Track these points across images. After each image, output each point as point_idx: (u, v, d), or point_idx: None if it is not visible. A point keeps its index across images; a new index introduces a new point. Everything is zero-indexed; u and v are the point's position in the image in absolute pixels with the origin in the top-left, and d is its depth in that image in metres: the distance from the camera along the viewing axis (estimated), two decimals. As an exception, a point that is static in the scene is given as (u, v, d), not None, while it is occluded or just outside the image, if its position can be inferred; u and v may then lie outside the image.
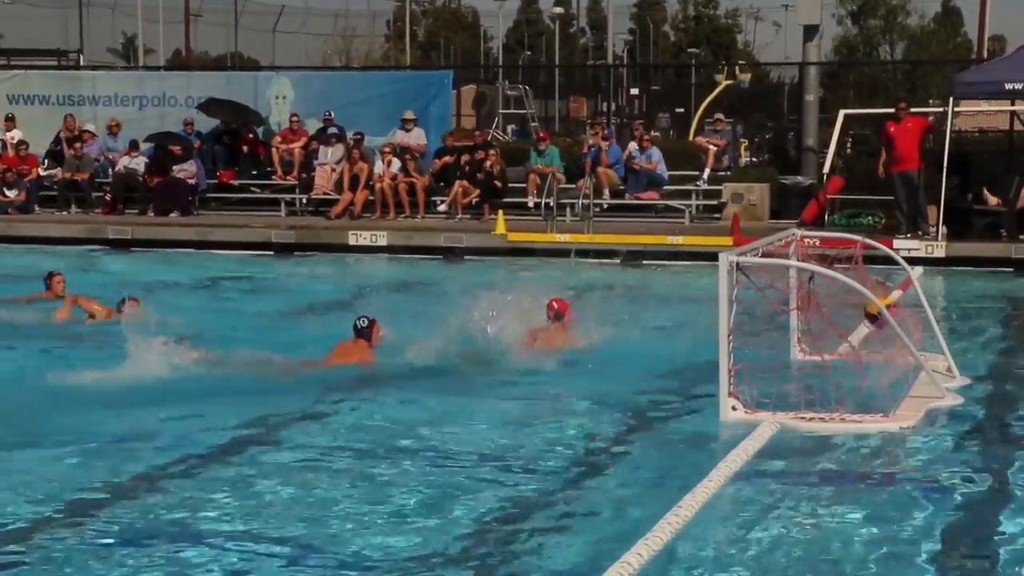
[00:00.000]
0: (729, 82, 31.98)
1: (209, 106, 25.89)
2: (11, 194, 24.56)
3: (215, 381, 10.55)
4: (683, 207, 23.14)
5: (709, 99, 30.40)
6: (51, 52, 38.99)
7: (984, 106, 23.87)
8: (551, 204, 21.64)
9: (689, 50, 73.43)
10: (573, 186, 22.70)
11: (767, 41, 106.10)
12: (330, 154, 24.33)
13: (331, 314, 14.97)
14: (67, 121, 26.28)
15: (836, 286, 9.62)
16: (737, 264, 9.11)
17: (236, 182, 25.42)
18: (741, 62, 42.21)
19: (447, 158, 24.04)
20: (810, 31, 24.79)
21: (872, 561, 6.53)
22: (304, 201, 24.66)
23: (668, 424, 9.58)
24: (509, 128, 37.97)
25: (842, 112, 23.15)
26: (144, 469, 8.14)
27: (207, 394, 10.11)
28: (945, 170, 19.63)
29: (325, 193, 24.20)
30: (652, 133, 27.14)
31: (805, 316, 10.52)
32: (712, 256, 9.53)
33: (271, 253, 21.32)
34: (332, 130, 24.68)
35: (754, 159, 27.21)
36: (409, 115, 24.68)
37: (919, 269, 15.87)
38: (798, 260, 10.48)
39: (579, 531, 7.03)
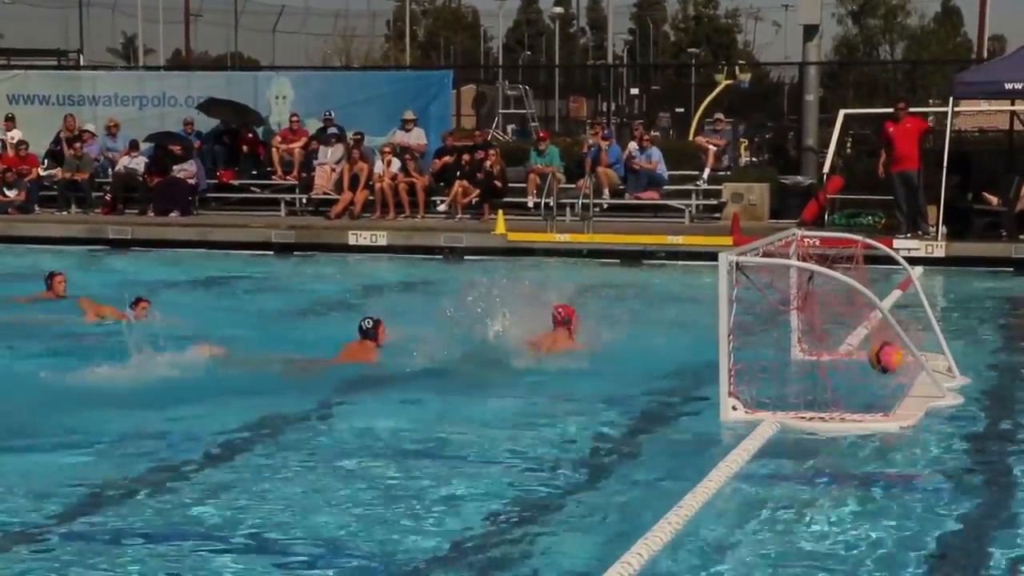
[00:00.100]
0: (729, 82, 31.97)
1: (209, 106, 25.89)
2: (11, 194, 24.56)
3: (217, 381, 10.55)
4: (683, 207, 23.15)
5: (709, 99, 30.40)
6: (51, 52, 38.98)
7: (984, 106, 23.86)
8: (551, 204, 21.65)
9: (689, 50, 73.42)
10: (573, 186, 22.70)
11: (767, 41, 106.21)
12: (330, 154, 24.33)
13: (332, 314, 14.99)
14: (67, 121, 26.28)
15: (837, 286, 9.63)
16: (737, 264, 9.11)
17: (236, 182, 25.43)
18: (741, 62, 42.18)
19: (447, 158, 24.04)
20: (810, 31, 24.80)
21: (872, 561, 6.53)
22: (304, 201, 24.67)
23: (668, 424, 9.59)
24: (509, 128, 37.98)
25: (842, 112, 23.16)
26: (149, 469, 8.14)
27: (211, 393, 10.11)
28: (945, 170, 19.63)
29: (325, 193, 24.21)
30: (652, 133, 27.15)
31: (805, 316, 10.52)
32: (712, 256, 9.53)
33: (271, 253, 21.32)
34: (332, 130, 24.69)
35: (754, 159, 27.22)
36: (409, 115, 24.68)
37: (919, 269, 15.86)
38: (798, 260, 10.48)
39: (579, 531, 7.04)
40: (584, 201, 21.45)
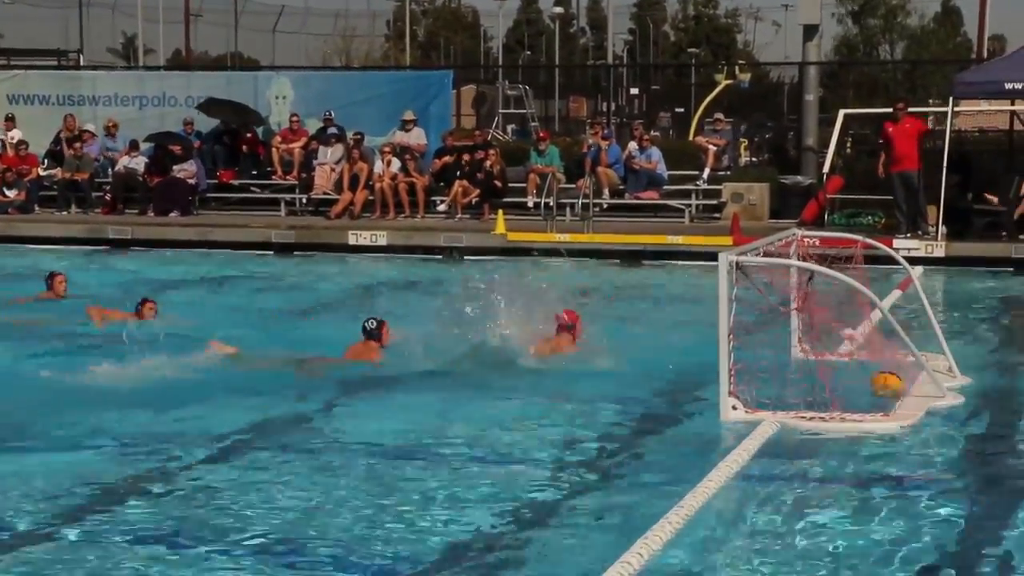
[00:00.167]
0: (729, 82, 31.97)
1: (209, 106, 25.89)
2: (11, 194, 24.57)
3: (219, 380, 10.55)
4: (683, 207, 23.15)
5: (709, 99, 30.40)
6: (51, 52, 38.99)
7: (984, 106, 23.86)
8: (551, 204, 21.65)
9: (689, 50, 73.43)
10: (573, 186, 22.70)
11: (767, 41, 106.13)
12: (330, 154, 24.33)
13: (332, 314, 14.99)
14: (67, 121, 26.28)
15: (836, 287, 9.63)
16: (737, 264, 9.11)
17: (236, 182, 25.43)
18: (741, 62, 42.18)
19: (447, 158, 24.04)
20: (810, 31, 24.80)
21: (872, 561, 6.53)
22: (304, 201, 24.67)
23: (669, 424, 9.59)
24: (509, 128, 37.96)
25: (842, 112, 23.17)
26: (152, 469, 8.16)
27: (213, 393, 10.13)
28: (945, 170, 19.64)
29: (325, 193, 24.21)
30: (652, 133, 27.15)
31: (805, 316, 10.52)
32: (712, 256, 9.53)
33: (271, 253, 21.32)
34: (332, 130, 24.69)
35: (754, 159, 27.23)
36: (408, 116, 24.68)
37: (919, 269, 15.86)
38: (798, 260, 10.48)
39: (580, 530, 7.04)
40: (584, 201, 21.45)
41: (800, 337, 11.06)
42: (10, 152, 25.63)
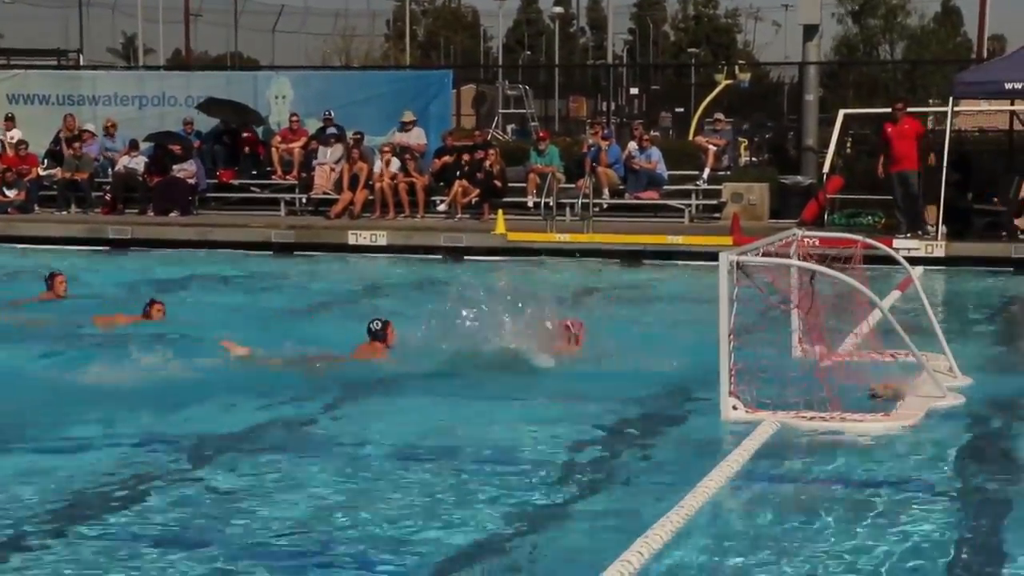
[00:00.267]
0: (729, 82, 31.96)
1: (209, 106, 25.89)
2: (11, 194, 24.56)
3: (221, 381, 10.56)
4: (683, 207, 23.15)
5: (709, 99, 30.38)
6: (51, 52, 38.96)
7: (984, 106, 23.87)
8: (551, 204, 21.65)
9: (689, 50, 73.43)
10: (573, 186, 22.69)
11: (767, 41, 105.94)
12: (329, 154, 24.33)
13: (332, 314, 14.99)
14: (67, 121, 26.27)
15: (836, 287, 9.63)
16: (737, 264, 9.11)
17: (236, 182, 25.42)
18: (741, 62, 42.13)
19: (447, 158, 24.03)
20: (810, 31, 24.80)
21: (872, 561, 6.53)
22: (304, 201, 24.66)
23: (669, 423, 9.59)
24: (509, 128, 37.95)
25: (842, 112, 23.17)
26: (155, 468, 8.17)
27: (219, 393, 10.14)
28: (945, 170, 19.64)
29: (325, 193, 24.20)
30: (652, 133, 27.14)
31: (805, 316, 10.52)
32: (712, 256, 9.53)
33: (271, 253, 21.31)
34: (332, 130, 24.68)
35: (754, 159, 27.22)
36: (407, 117, 24.67)
37: (919, 269, 15.86)
38: (799, 260, 10.48)
39: (580, 529, 7.04)
40: (584, 201, 21.45)
41: (800, 337, 11.06)
42: (10, 152, 25.62)
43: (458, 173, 23.53)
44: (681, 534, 6.51)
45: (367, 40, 68.32)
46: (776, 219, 21.86)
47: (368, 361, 11.23)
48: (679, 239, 20.33)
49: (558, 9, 68.47)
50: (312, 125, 25.44)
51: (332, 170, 24.21)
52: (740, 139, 26.85)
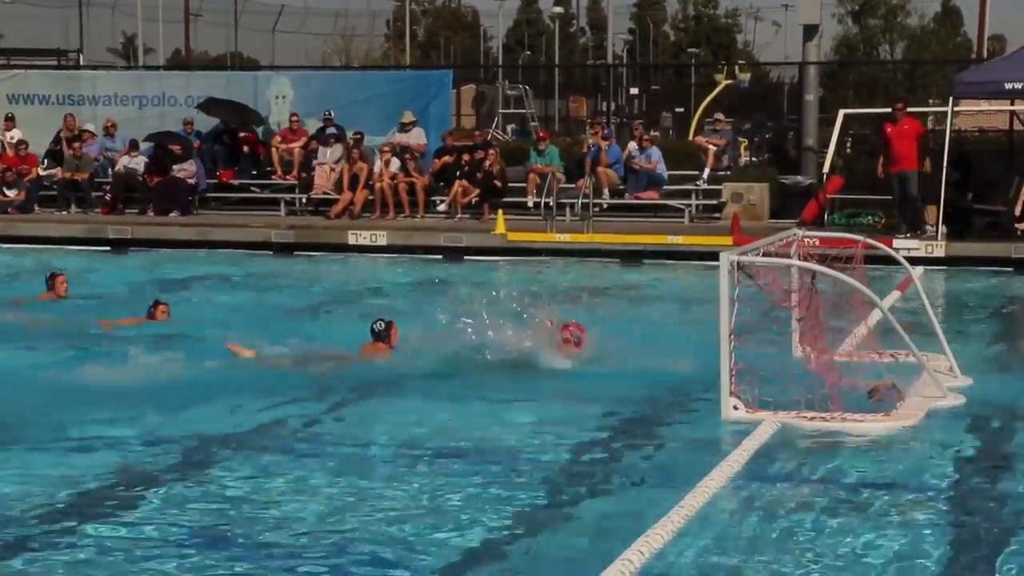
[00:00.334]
0: (729, 82, 31.97)
1: (209, 106, 25.89)
2: (11, 194, 24.56)
3: (224, 381, 10.56)
4: (683, 207, 23.15)
5: (709, 99, 30.40)
6: (51, 52, 39.00)
7: (984, 106, 23.87)
8: (551, 204, 21.65)
9: (689, 50, 73.44)
10: (573, 186, 22.69)
11: (767, 41, 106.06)
12: (329, 154, 24.32)
13: (332, 314, 14.99)
14: (67, 121, 26.27)
15: (836, 287, 9.63)
16: (738, 264, 9.11)
17: (236, 182, 25.42)
18: (741, 62, 42.16)
19: (447, 158, 24.03)
20: (810, 31, 24.80)
21: (872, 561, 6.53)
22: (304, 201, 24.66)
23: (669, 423, 9.60)
24: (509, 128, 37.95)
25: (842, 112, 23.17)
26: (158, 469, 8.17)
27: (221, 393, 10.14)
28: (945, 170, 19.64)
29: (325, 193, 24.20)
30: (652, 132, 27.14)
31: (806, 316, 10.52)
32: (712, 256, 9.53)
33: (271, 253, 21.31)
34: (332, 130, 24.68)
35: (754, 159, 27.22)
36: (407, 118, 24.66)
37: (919, 269, 15.86)
38: (799, 260, 10.48)
39: (581, 529, 7.05)
40: (584, 201, 21.45)
41: (801, 337, 11.05)
42: (10, 152, 25.62)
43: (458, 173, 23.53)
44: (681, 534, 6.51)
45: (367, 40, 68.42)
46: (776, 219, 21.86)
47: (371, 362, 11.24)
48: (679, 239, 20.33)
49: (558, 9, 68.48)
50: (312, 125, 25.44)
51: (332, 170, 24.21)
52: (740, 139, 26.85)
